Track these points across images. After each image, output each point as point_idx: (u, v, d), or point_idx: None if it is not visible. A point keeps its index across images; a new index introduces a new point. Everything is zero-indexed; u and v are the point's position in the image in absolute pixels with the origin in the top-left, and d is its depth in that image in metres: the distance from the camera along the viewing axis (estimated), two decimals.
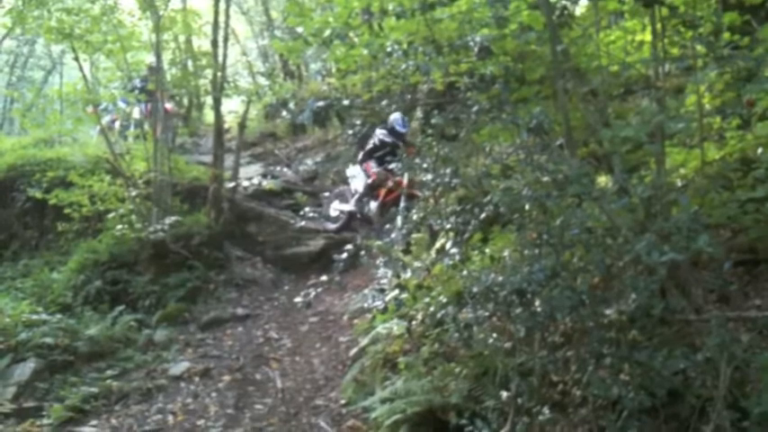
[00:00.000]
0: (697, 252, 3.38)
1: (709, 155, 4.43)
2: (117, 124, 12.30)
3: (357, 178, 9.86)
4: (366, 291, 4.95)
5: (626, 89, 5.00)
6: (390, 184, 9.28)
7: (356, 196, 9.77)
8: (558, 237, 3.66)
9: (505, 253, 4.43)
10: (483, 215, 3.96)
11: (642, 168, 4.48)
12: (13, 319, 7.66)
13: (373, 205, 9.54)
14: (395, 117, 9.49)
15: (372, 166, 9.64)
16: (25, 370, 7.01)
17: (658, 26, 4.23)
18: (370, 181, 9.57)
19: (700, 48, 4.22)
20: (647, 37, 4.48)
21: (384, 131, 9.60)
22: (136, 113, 11.68)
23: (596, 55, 4.44)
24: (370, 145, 9.71)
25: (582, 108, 4.44)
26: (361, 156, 9.83)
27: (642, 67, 4.59)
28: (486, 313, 4.09)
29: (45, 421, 6.36)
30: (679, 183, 4.32)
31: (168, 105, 12.77)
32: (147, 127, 10.61)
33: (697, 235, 3.32)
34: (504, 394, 4.07)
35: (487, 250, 4.67)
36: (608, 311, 3.88)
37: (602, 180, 4.48)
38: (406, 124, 9.60)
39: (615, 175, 3.76)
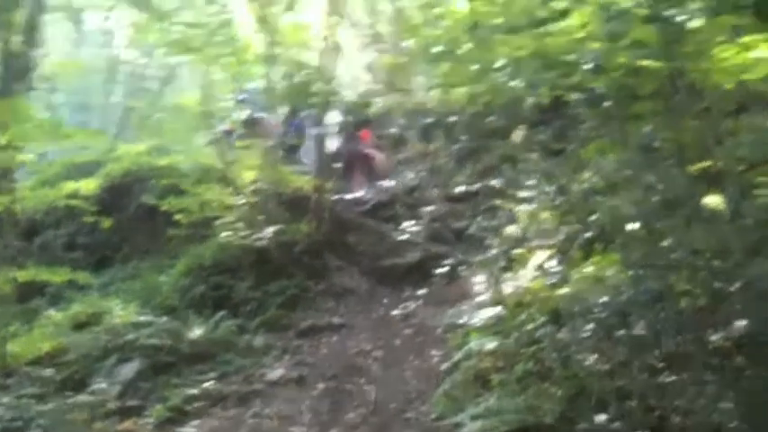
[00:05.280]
0: None
1: None
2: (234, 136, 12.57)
3: None
4: (463, 306, 4.90)
5: (739, 106, 4.79)
6: None
7: None
8: (666, 259, 3.55)
9: (608, 273, 4.31)
10: (588, 234, 3.88)
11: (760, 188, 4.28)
12: (121, 320, 7.99)
13: None
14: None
15: None
16: (130, 369, 7.29)
17: None
18: None
19: None
20: (767, 52, 4.28)
21: None
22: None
23: (712, 71, 4.28)
24: None
25: (695, 125, 4.28)
26: None
27: (761, 83, 4.39)
28: (586, 334, 4.00)
29: (147, 420, 6.59)
30: None
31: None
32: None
33: None
34: (601, 418, 3.95)
35: (589, 269, 4.56)
36: (713, 337, 3.73)
37: (714, 200, 4.30)
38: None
39: (728, 196, 3.62)
